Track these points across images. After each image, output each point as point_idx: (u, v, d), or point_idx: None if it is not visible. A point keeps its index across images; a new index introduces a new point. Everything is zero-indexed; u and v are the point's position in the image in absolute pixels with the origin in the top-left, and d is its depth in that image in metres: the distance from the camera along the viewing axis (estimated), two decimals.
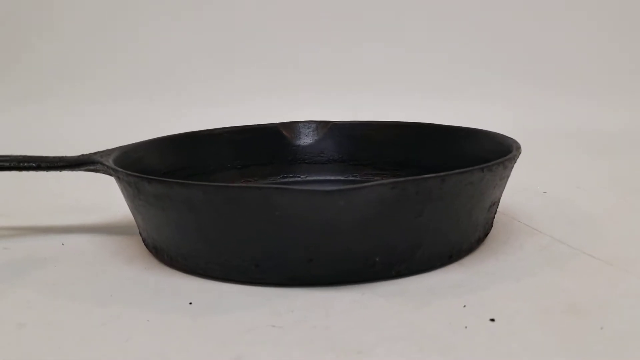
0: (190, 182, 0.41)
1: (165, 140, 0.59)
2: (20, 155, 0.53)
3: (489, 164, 0.42)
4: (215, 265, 0.41)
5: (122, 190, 0.46)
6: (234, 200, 0.39)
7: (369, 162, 0.63)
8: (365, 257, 0.40)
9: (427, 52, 1.10)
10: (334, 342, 0.34)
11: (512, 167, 0.46)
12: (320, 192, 0.37)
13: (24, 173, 0.53)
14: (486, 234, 0.47)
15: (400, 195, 0.38)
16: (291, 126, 0.66)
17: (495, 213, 0.49)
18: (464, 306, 0.37)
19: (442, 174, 0.39)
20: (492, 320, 0.35)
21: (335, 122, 0.66)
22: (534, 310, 0.37)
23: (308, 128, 0.66)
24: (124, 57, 1.13)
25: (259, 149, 0.64)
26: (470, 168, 0.41)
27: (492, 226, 0.49)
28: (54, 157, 0.53)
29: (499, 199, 0.48)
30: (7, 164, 0.52)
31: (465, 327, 0.35)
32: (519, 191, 0.61)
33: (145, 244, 0.48)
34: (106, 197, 0.60)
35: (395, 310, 0.37)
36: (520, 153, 0.47)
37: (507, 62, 1.09)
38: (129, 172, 0.44)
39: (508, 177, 0.47)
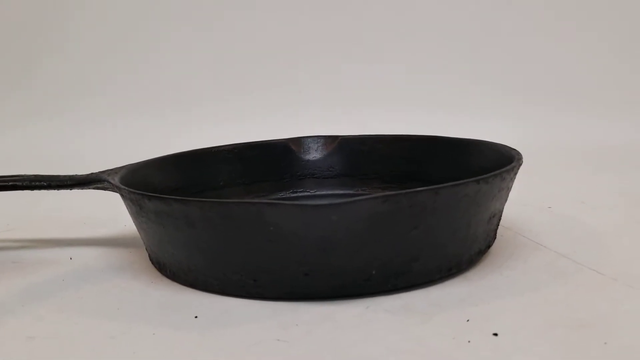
0: (187, 198, 0.42)
1: (173, 158, 0.60)
2: (32, 175, 0.54)
3: (484, 175, 0.42)
4: (214, 280, 0.42)
5: (127, 207, 0.47)
6: (229, 216, 0.39)
7: (377, 175, 0.64)
8: (361, 271, 0.40)
9: (434, 69, 1.11)
10: (342, 356, 0.34)
11: (513, 178, 0.46)
12: (311, 206, 0.38)
13: None
14: (488, 246, 0.48)
15: (393, 209, 0.38)
16: (300, 141, 0.67)
17: (498, 225, 0.49)
18: (468, 320, 0.37)
19: (435, 186, 0.40)
20: (496, 335, 0.35)
21: (344, 136, 0.67)
22: (538, 324, 0.37)
23: (317, 143, 0.67)
24: (134, 75, 1.14)
25: (269, 165, 0.65)
26: (465, 180, 0.41)
27: (494, 238, 0.49)
28: (64, 176, 0.54)
29: (501, 211, 0.48)
30: (19, 184, 0.53)
31: (469, 342, 0.35)
32: (524, 205, 0.62)
33: (150, 259, 0.49)
34: (114, 214, 0.60)
35: (399, 324, 0.37)
36: (520, 164, 0.47)
37: (514, 78, 1.09)
38: (131, 190, 0.45)
39: (509, 188, 0.47)
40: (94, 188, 0.53)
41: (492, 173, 0.43)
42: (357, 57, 1.12)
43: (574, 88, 1.07)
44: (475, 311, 0.39)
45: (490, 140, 0.57)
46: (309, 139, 0.67)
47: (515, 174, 0.47)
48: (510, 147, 0.53)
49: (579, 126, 1.01)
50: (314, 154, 0.67)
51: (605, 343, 0.34)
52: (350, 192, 0.64)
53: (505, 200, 0.48)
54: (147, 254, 0.50)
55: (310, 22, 1.13)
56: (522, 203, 0.62)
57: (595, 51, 1.09)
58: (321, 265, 0.39)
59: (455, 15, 1.11)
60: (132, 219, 0.48)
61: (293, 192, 0.65)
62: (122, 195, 0.47)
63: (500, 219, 0.49)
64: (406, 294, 0.41)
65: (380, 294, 0.41)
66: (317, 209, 0.37)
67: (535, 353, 0.34)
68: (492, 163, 0.50)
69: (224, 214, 0.39)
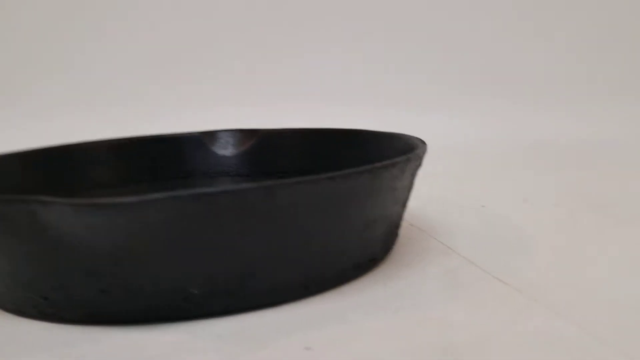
0: None
1: (35, 154, 0.52)
2: None
3: (342, 172, 0.34)
4: (7, 297, 0.35)
5: None
6: (3, 217, 0.31)
7: (300, 173, 0.56)
8: (176, 289, 0.32)
9: (366, 59, 1.05)
10: None
11: (399, 177, 0.38)
12: (88, 205, 0.29)
13: None
14: (373, 260, 0.40)
15: (209, 211, 0.31)
16: (214, 135, 0.60)
17: (395, 232, 0.42)
18: (307, 348, 0.30)
19: (268, 183, 0.32)
20: None
21: (264, 130, 0.60)
22: (396, 351, 0.30)
23: (234, 137, 0.60)
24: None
25: (176, 162, 0.59)
26: (313, 177, 0.33)
27: (389, 248, 0.42)
28: None
29: (391, 216, 0.40)
30: None
31: None
32: (453, 205, 0.54)
33: None
34: None
35: (224, 354, 0.30)
36: (410, 159, 0.39)
37: (451, 71, 1.02)
38: None
39: (396, 188, 0.39)
40: None
41: (357, 169, 0.35)
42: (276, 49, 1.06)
43: (520, 82, 1.01)
44: (322, 336, 0.31)
45: (407, 134, 0.50)
46: (226, 133, 0.60)
47: (406, 170, 0.39)
48: (420, 139, 0.46)
49: (528, 122, 0.94)
50: (230, 150, 0.60)
51: None
52: None
53: (399, 203, 0.41)
54: None
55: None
56: (453, 202, 0.55)
57: (540, 44, 1.02)
58: (119, 280, 0.32)
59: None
60: None
61: None
62: None
63: (397, 226, 0.42)
64: (244, 316, 0.34)
65: (208, 318, 0.34)
66: (97, 209, 0.30)
67: None
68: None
69: None
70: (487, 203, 0.56)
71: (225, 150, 0.61)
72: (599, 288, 0.36)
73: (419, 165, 0.42)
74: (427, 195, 0.58)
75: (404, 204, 0.42)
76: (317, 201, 0.34)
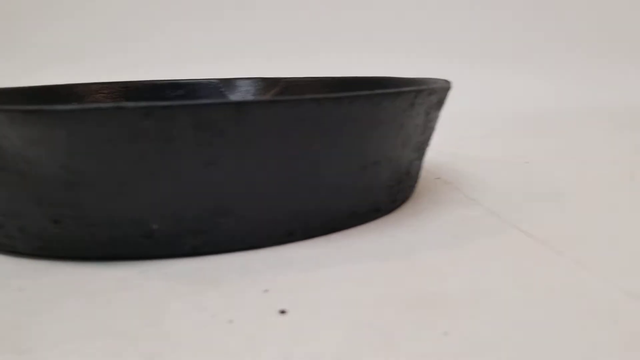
0: None
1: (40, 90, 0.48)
2: None
3: (331, 94, 0.28)
4: None
5: None
6: None
7: None
8: (135, 222, 0.28)
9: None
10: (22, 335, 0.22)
11: (409, 111, 0.32)
12: (22, 112, 0.24)
13: None
14: (376, 210, 0.34)
15: (161, 129, 0.25)
16: (233, 83, 0.55)
17: (407, 183, 0.36)
18: (265, 291, 0.25)
19: (237, 101, 0.26)
20: (283, 312, 0.23)
21: (287, 78, 0.54)
22: (368, 298, 0.24)
23: (254, 86, 0.56)
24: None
25: None
26: (298, 97, 0.28)
27: (398, 199, 0.36)
28: None
29: (399, 160, 0.34)
30: None
31: (231, 322, 0.23)
32: (493, 162, 0.48)
33: None
34: None
35: (162, 292, 0.25)
36: (429, 92, 0.33)
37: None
38: None
39: (408, 127, 0.33)
40: None
41: (350, 94, 0.29)
42: None
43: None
44: (286, 280, 0.26)
45: (435, 78, 0.43)
46: (246, 81, 0.55)
47: (416, 105, 0.33)
48: (440, 79, 0.40)
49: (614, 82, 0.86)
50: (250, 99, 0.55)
51: (446, 333, 0.21)
52: None
53: (409, 145, 0.35)
54: None
55: None
56: (494, 159, 0.49)
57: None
58: (73, 209, 0.27)
59: None
60: None
61: None
62: None
63: (408, 173, 0.36)
64: (213, 258, 0.29)
65: (173, 258, 0.29)
66: (35, 117, 0.25)
67: (321, 338, 0.21)
68: None
69: None
70: (533, 160, 0.50)
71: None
72: (631, 245, 0.30)
73: (437, 103, 0.36)
74: (465, 154, 0.52)
75: (417, 149, 0.36)
76: (300, 127, 0.28)
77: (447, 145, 0.53)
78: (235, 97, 0.55)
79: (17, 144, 0.26)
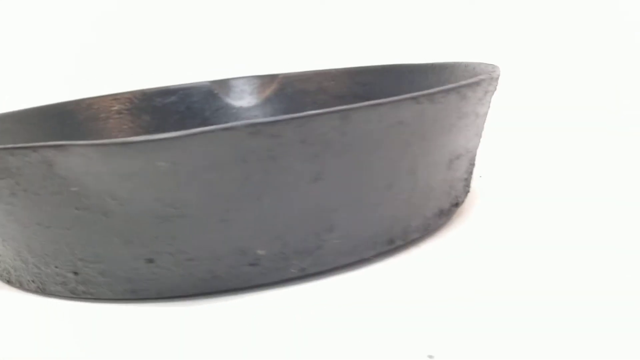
0: None
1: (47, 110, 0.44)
2: None
3: (428, 91, 0.26)
4: (24, 272, 0.27)
5: None
6: (6, 172, 0.23)
7: None
8: (239, 251, 0.25)
9: None
10: None
11: (482, 100, 0.31)
12: (118, 145, 0.21)
13: None
14: (456, 204, 0.32)
15: (271, 146, 0.23)
16: (227, 84, 0.52)
17: (471, 174, 0.34)
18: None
19: (342, 108, 0.24)
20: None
21: (284, 74, 0.51)
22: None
23: (250, 85, 0.52)
24: None
25: (188, 116, 0.51)
26: (396, 98, 0.25)
27: (467, 193, 0.34)
28: None
29: (473, 150, 0.33)
30: None
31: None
32: None
33: None
34: None
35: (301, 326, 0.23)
36: (494, 78, 0.32)
37: None
38: None
39: (481, 116, 0.32)
40: None
41: (442, 88, 0.27)
42: None
43: None
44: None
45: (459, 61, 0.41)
46: (240, 81, 0.52)
47: (487, 92, 0.31)
48: (488, 64, 0.38)
49: None
50: (247, 100, 0.52)
51: None
52: None
53: (479, 134, 0.33)
54: None
55: None
56: None
57: None
58: (169, 245, 0.24)
59: None
60: None
61: None
62: None
63: (473, 165, 0.35)
64: (325, 280, 0.26)
65: (279, 285, 0.26)
66: (126, 148, 0.21)
67: None
68: None
69: None
70: None
71: (242, 100, 0.53)
72: None
73: (494, 89, 0.35)
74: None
75: (480, 138, 0.35)
76: (400, 128, 0.26)
77: None
78: (232, 99, 0.52)
79: (106, 180, 0.22)
